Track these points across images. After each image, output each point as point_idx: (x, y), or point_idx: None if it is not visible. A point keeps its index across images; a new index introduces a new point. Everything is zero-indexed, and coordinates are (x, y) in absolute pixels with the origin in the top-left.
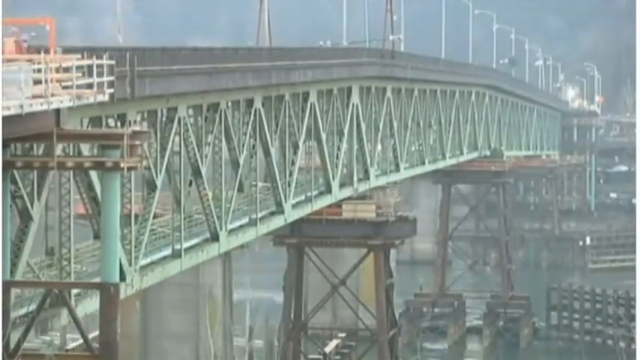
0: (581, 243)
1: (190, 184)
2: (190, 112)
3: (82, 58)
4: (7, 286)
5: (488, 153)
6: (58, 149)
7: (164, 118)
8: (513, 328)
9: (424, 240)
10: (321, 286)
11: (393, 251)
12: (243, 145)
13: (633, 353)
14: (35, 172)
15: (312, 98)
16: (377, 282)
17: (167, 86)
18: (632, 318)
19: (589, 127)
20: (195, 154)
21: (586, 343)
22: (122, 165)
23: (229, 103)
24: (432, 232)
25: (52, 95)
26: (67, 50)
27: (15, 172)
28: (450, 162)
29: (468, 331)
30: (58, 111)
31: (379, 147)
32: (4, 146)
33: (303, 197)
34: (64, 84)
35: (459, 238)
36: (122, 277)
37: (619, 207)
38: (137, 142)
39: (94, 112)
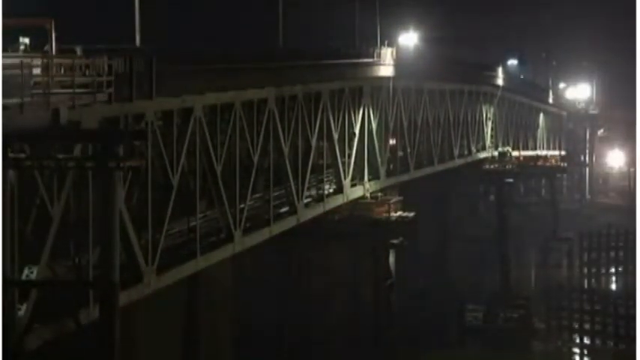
0: (580, 242)
1: (205, 184)
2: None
3: (107, 57)
4: (7, 285)
5: (496, 153)
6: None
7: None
8: (513, 328)
9: (424, 239)
10: (321, 286)
11: (392, 251)
12: (257, 145)
13: (633, 353)
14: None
15: (325, 98)
16: (377, 282)
17: (184, 86)
18: (632, 318)
19: (589, 127)
20: (210, 154)
21: (585, 343)
22: (122, 165)
23: (243, 103)
24: (432, 232)
25: (52, 95)
26: (88, 51)
27: (36, 172)
28: (458, 162)
29: (468, 331)
30: (57, 110)
31: (388, 147)
32: (4, 146)
33: (315, 197)
34: (64, 83)
35: (459, 238)
36: (139, 277)
37: (618, 207)
38: (138, 142)
39: (112, 112)
